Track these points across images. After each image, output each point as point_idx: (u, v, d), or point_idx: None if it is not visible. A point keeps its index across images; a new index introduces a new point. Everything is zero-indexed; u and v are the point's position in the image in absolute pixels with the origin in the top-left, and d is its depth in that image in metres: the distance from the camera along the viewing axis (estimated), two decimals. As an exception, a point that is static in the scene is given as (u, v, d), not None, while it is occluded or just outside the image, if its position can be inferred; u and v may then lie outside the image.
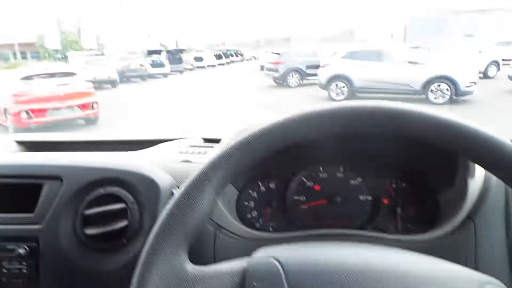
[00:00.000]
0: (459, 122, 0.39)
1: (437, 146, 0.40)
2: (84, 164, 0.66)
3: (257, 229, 0.73)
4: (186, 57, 21.77)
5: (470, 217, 0.61)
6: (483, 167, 0.41)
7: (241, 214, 0.77)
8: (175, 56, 19.74)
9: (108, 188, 0.63)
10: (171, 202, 0.40)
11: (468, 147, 0.39)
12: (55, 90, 6.61)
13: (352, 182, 0.78)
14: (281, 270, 0.37)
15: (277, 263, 0.38)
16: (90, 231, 0.61)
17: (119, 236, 0.62)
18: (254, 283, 0.37)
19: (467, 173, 0.64)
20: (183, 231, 0.39)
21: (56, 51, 25.78)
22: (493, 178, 0.64)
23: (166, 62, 18.05)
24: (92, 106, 6.93)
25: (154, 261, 0.38)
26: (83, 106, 6.84)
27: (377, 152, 0.76)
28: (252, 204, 0.79)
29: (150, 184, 0.63)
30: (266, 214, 0.79)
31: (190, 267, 0.39)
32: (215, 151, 0.45)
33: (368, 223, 0.75)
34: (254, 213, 0.79)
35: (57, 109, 6.54)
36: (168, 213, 0.40)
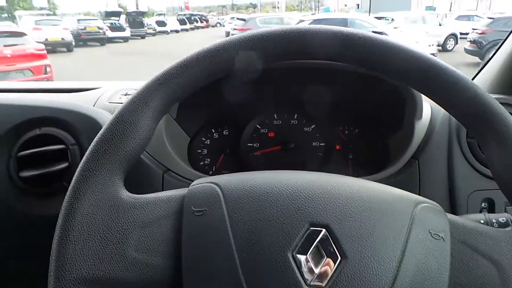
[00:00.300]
0: (394, 42, 0.38)
1: (374, 69, 0.40)
2: (16, 103, 0.61)
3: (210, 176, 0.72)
4: (148, 21, 20.70)
5: (415, 157, 0.63)
6: (418, 90, 0.41)
7: (194, 161, 0.76)
8: (135, 20, 18.70)
9: (44, 128, 0.59)
10: (104, 127, 0.38)
11: (404, 69, 0.38)
12: (1, 51, 6.07)
13: (306, 129, 0.78)
14: (220, 193, 0.36)
15: (216, 187, 0.37)
16: (25, 173, 0.57)
17: (60, 178, 0.58)
18: (192, 207, 0.36)
19: (413, 116, 0.66)
20: (117, 158, 0.37)
21: (2, 9, 23.51)
22: (438, 119, 0.66)
23: (126, 25, 17.08)
24: (45, 70, 6.46)
25: (85, 189, 0.35)
26: (35, 70, 6.36)
27: (329, 99, 0.76)
28: (205, 151, 0.77)
29: (91, 123, 0.59)
30: (219, 161, 0.77)
31: (126, 195, 0.37)
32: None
33: (321, 168, 0.76)
34: (207, 160, 0.77)
35: (5, 72, 6.04)
36: (100, 138, 0.37)
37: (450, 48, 11.85)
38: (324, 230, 0.33)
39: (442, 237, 0.34)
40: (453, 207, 0.62)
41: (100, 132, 0.37)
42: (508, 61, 0.73)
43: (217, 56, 0.39)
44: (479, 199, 0.62)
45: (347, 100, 0.76)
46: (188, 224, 0.35)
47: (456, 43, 11.98)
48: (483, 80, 0.82)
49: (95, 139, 0.37)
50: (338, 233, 0.32)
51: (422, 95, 0.56)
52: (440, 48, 10.87)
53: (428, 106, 0.68)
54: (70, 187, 0.36)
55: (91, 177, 0.36)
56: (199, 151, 0.77)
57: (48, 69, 6.48)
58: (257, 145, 0.78)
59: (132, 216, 0.36)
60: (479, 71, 0.85)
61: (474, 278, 0.33)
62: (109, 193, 0.36)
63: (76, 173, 0.36)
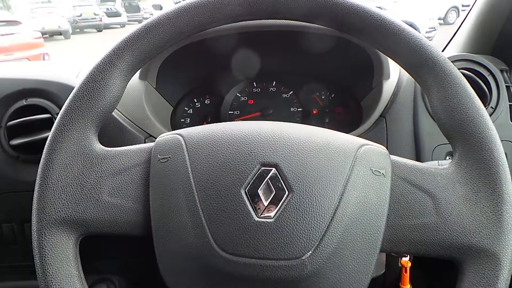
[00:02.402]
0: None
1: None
2: (2, 76, 0.64)
3: None
4: (144, 5, 20.41)
5: (383, 115, 0.66)
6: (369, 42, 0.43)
7: (177, 129, 0.79)
8: (131, 4, 18.44)
9: (30, 99, 0.62)
10: (76, 86, 0.41)
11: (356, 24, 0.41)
12: (-2, 41, 6.07)
13: (284, 95, 0.82)
14: (182, 142, 0.40)
15: (179, 137, 0.40)
16: (15, 141, 0.61)
17: None
18: (158, 155, 0.40)
19: (381, 77, 0.69)
20: (89, 114, 0.40)
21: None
22: (405, 79, 0.69)
23: (122, 10, 16.87)
24: (43, 58, 6.45)
25: (62, 141, 0.39)
26: (33, 58, 6.35)
27: (305, 66, 0.79)
28: (188, 120, 0.81)
29: None
30: None
31: (99, 147, 0.41)
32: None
33: None
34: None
35: (3, 62, 6.04)
36: (73, 96, 0.40)
37: (451, 21, 11.64)
38: (274, 169, 0.36)
39: (383, 173, 0.38)
40: (418, 160, 0.65)
41: (73, 91, 0.41)
42: (476, 24, 0.75)
43: (179, 17, 0.41)
44: (443, 152, 0.65)
45: (322, 66, 0.79)
46: (155, 170, 0.39)
47: (458, 15, 11.74)
48: (457, 41, 0.84)
49: (69, 97, 0.41)
50: (286, 171, 0.36)
51: None
52: (441, 21, 10.69)
53: (396, 67, 0.71)
54: (47, 141, 0.40)
55: (66, 131, 0.39)
56: (182, 120, 0.81)
57: (46, 58, 6.46)
58: (237, 112, 0.81)
59: (105, 165, 0.40)
60: (455, 33, 0.87)
61: (412, 209, 0.37)
62: (83, 145, 0.40)
63: (53, 128, 0.40)
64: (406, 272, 0.62)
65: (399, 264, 0.63)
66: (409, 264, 0.63)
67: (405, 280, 0.64)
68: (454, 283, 0.37)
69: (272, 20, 0.49)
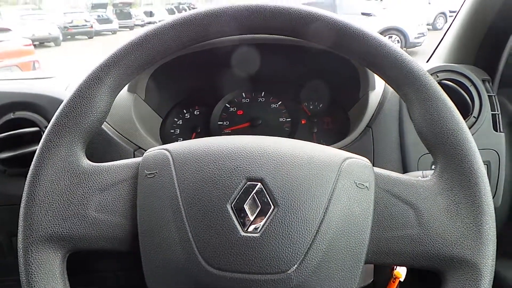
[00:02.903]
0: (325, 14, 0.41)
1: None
2: None
3: None
4: (135, 12, 20.41)
5: (369, 125, 0.67)
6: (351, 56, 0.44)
7: (166, 141, 0.80)
8: (123, 11, 18.45)
9: (17, 112, 0.62)
10: (63, 102, 0.41)
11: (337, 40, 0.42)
12: (-14, 49, 6.00)
13: (273, 105, 0.83)
14: (169, 157, 0.40)
15: (166, 152, 0.41)
16: (3, 155, 0.61)
17: None
18: (145, 171, 0.40)
19: (367, 87, 0.70)
20: (76, 129, 0.40)
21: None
22: (390, 89, 0.70)
23: (113, 17, 16.84)
24: (34, 66, 6.39)
25: (49, 157, 0.39)
26: (23, 66, 6.28)
27: (294, 76, 0.80)
28: (177, 131, 0.81)
29: None
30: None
31: (86, 163, 0.41)
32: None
33: None
34: (180, 139, 0.81)
35: (-8, 71, 5.97)
36: (60, 112, 0.41)
37: (440, 27, 11.83)
38: (259, 184, 0.37)
39: (366, 186, 0.38)
40: (405, 170, 0.66)
41: (60, 107, 0.41)
42: (458, 34, 0.77)
43: (165, 34, 0.42)
44: (429, 162, 0.66)
45: (310, 76, 0.80)
46: (142, 186, 0.39)
47: (446, 21, 11.94)
48: (441, 51, 0.86)
49: (55, 114, 0.41)
50: (272, 185, 0.37)
51: None
52: (430, 27, 10.86)
53: None
54: (34, 157, 0.40)
55: (53, 147, 0.39)
56: (172, 131, 0.81)
57: (36, 65, 6.40)
58: (227, 123, 0.82)
59: (92, 181, 0.40)
60: (439, 43, 0.89)
61: (395, 221, 0.38)
62: (70, 161, 0.40)
63: (40, 144, 0.40)
64: (394, 282, 0.63)
65: (390, 274, 0.64)
66: (401, 276, 0.63)
67: None
68: None
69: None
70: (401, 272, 0.64)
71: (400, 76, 0.41)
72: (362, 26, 0.42)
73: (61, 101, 0.63)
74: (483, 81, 0.71)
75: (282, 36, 0.45)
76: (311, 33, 0.42)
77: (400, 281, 0.64)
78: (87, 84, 0.41)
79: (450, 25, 0.85)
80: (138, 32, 0.43)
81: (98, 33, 15.30)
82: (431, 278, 0.77)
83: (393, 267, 0.64)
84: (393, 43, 0.42)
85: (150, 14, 21.11)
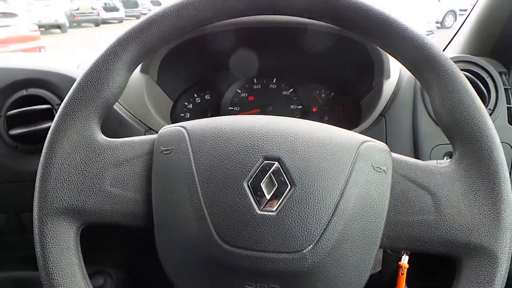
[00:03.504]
0: None
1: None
2: (2, 66, 0.64)
3: None
4: (142, 1, 20.31)
5: (382, 114, 0.67)
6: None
7: None
8: (129, -1, 18.36)
9: (30, 89, 0.62)
10: (80, 76, 0.41)
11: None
12: (-7, 33, 6.00)
13: (284, 92, 0.82)
14: (186, 134, 0.40)
15: (183, 129, 0.40)
16: (14, 131, 0.61)
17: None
18: (161, 147, 0.40)
19: (381, 75, 0.69)
20: (92, 104, 0.40)
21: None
22: (405, 78, 0.69)
23: (120, 5, 16.77)
24: (39, 51, 6.39)
25: (65, 130, 0.39)
26: (29, 51, 6.29)
27: (306, 64, 0.79)
28: (187, 115, 0.81)
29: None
30: None
31: (102, 137, 0.41)
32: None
33: None
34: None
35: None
36: (77, 86, 0.40)
37: (449, 25, 11.71)
38: (276, 163, 0.37)
39: (384, 170, 0.38)
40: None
41: (76, 80, 0.41)
42: (476, 26, 0.76)
43: (184, 11, 0.41)
44: (441, 152, 0.66)
45: (323, 64, 0.79)
46: (157, 162, 0.39)
47: (455, 19, 11.82)
48: (456, 42, 0.85)
49: (72, 87, 0.41)
50: (289, 165, 0.36)
51: (389, 56, 0.59)
52: (438, 25, 10.75)
53: (396, 67, 0.71)
54: (50, 130, 0.40)
55: (69, 120, 0.39)
56: (182, 115, 0.81)
57: (42, 51, 6.41)
58: (237, 108, 0.81)
59: (108, 155, 0.40)
60: (455, 35, 0.87)
61: (412, 206, 0.38)
62: (86, 135, 0.40)
63: (56, 117, 0.40)
64: (402, 274, 0.63)
65: (397, 264, 0.64)
66: (406, 266, 0.63)
67: (401, 283, 0.64)
68: (451, 281, 0.38)
69: (274, 16, 0.49)
70: (406, 263, 0.63)
71: (421, 59, 0.40)
72: (383, 9, 0.41)
73: (73, 79, 0.63)
74: (500, 73, 0.70)
75: (295, 19, 0.44)
76: (331, 15, 0.41)
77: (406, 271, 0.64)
78: (104, 58, 0.41)
79: (466, 17, 0.83)
80: (156, 9, 0.42)
81: (104, 21, 15.24)
82: (434, 266, 0.76)
83: (401, 258, 0.64)
84: (414, 27, 0.41)
85: (157, 3, 21.02)
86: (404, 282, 0.64)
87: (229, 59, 0.79)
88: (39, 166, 0.39)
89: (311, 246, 0.34)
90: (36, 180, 0.38)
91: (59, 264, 0.37)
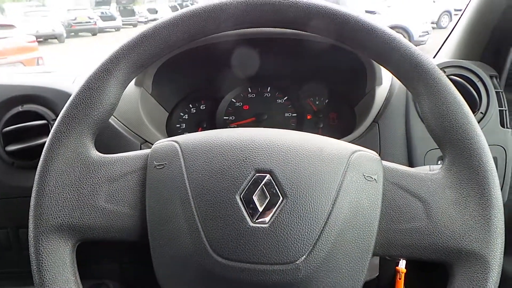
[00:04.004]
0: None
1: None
2: None
3: None
4: (139, 9, 20.42)
5: (375, 120, 0.67)
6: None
7: (172, 135, 0.80)
8: (126, 8, 18.47)
9: (26, 105, 0.63)
10: (73, 94, 0.41)
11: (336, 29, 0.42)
12: (-9, 45, 6.01)
13: (278, 101, 0.83)
14: (178, 149, 0.40)
15: (175, 143, 0.41)
16: (10, 147, 0.61)
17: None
18: (154, 162, 0.40)
19: (374, 82, 0.70)
20: (86, 121, 0.41)
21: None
22: (397, 85, 0.70)
23: (117, 14, 16.87)
24: (37, 62, 6.41)
25: (59, 148, 0.39)
26: (27, 62, 6.30)
27: (300, 72, 0.80)
28: (183, 125, 0.82)
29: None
30: None
31: (95, 154, 0.41)
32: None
33: None
34: (185, 134, 0.81)
35: (-2, 67, 5.99)
36: (70, 104, 0.41)
37: (444, 25, 11.77)
38: (268, 175, 0.37)
39: (375, 179, 0.38)
40: (411, 165, 0.66)
41: (70, 98, 0.41)
42: (466, 30, 0.77)
43: (174, 26, 0.42)
44: (435, 157, 0.66)
45: (316, 72, 0.80)
46: (151, 177, 0.39)
47: (451, 19, 11.87)
48: (447, 47, 0.85)
49: (65, 105, 0.41)
50: (281, 177, 0.37)
51: None
52: (434, 25, 10.81)
53: (388, 74, 0.72)
54: (44, 149, 0.40)
55: (63, 138, 0.40)
56: (178, 125, 0.81)
57: (40, 61, 6.42)
58: (232, 117, 0.82)
59: (102, 171, 0.40)
60: (446, 39, 0.88)
61: (403, 214, 0.38)
62: (80, 152, 0.40)
63: (50, 135, 0.40)
64: (400, 279, 0.63)
65: (394, 269, 0.64)
66: (404, 271, 0.63)
67: None
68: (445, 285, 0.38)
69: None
70: (403, 268, 0.64)
71: (410, 69, 0.41)
72: (371, 20, 0.42)
73: (69, 95, 0.64)
74: (491, 77, 0.70)
75: (289, 30, 0.45)
76: (320, 26, 0.42)
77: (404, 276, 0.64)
78: (96, 76, 0.41)
79: (457, 22, 0.84)
80: (147, 25, 0.43)
81: (101, 30, 15.32)
82: (432, 270, 0.77)
83: (398, 263, 0.64)
84: (402, 37, 0.42)
85: (154, 11, 21.11)
86: (402, 287, 0.64)
87: (223, 68, 0.79)
88: (34, 184, 0.39)
89: (304, 256, 0.35)
90: (31, 198, 0.39)
91: (55, 281, 0.37)
